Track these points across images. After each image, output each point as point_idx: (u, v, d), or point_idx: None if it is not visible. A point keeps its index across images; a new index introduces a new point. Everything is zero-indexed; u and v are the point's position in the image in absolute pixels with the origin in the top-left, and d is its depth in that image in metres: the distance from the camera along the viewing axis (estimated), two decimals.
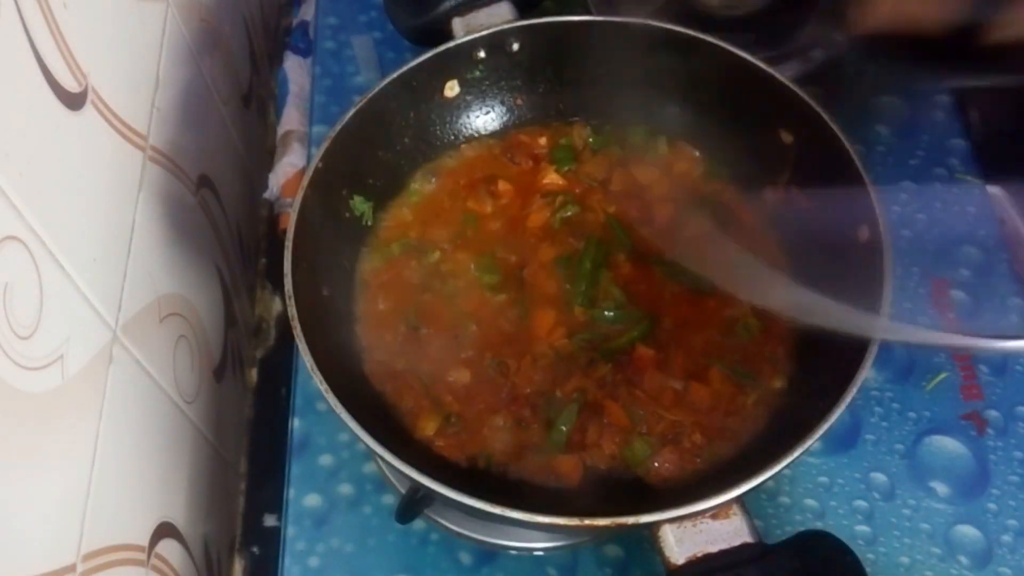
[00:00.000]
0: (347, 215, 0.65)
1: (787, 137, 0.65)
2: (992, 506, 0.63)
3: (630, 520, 0.49)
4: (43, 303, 0.47)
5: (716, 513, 0.50)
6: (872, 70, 0.75)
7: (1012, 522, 0.63)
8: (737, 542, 0.49)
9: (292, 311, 0.55)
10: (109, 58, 0.58)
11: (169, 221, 0.67)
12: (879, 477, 0.64)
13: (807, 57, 0.76)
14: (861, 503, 0.63)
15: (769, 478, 0.50)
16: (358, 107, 0.63)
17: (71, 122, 0.52)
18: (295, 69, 0.91)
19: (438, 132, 0.71)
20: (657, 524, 0.49)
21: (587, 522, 0.49)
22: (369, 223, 0.67)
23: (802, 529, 0.51)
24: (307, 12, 0.92)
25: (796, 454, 0.50)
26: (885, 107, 0.81)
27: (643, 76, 0.68)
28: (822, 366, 0.57)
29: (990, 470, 0.65)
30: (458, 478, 0.55)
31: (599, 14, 0.73)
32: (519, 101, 0.72)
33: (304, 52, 0.91)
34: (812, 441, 0.50)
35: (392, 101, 0.66)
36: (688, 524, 0.49)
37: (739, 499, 0.50)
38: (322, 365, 0.53)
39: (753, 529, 0.50)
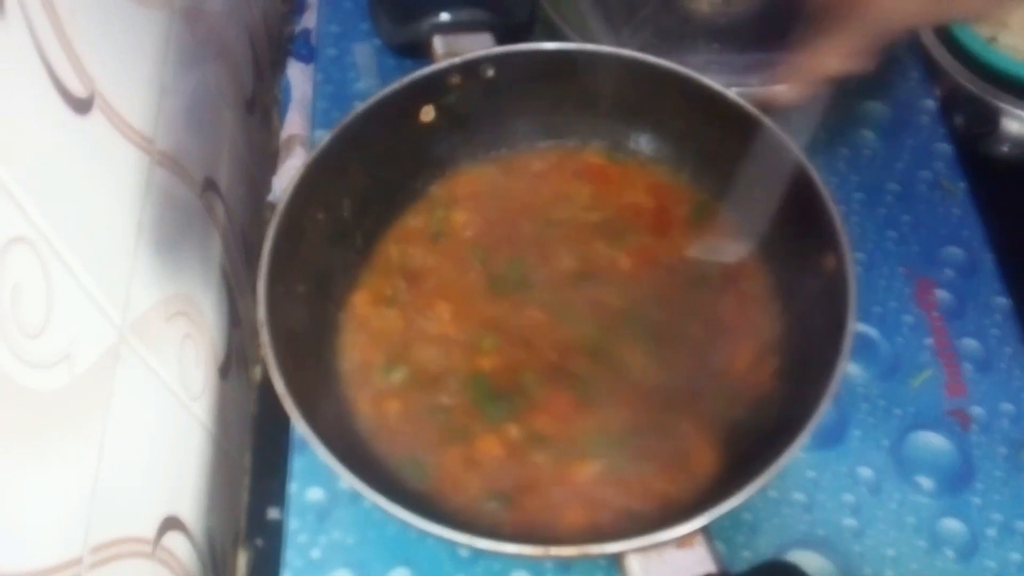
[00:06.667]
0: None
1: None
2: (977, 500, 0.64)
3: (595, 549, 0.50)
4: (51, 303, 0.48)
5: (681, 542, 0.51)
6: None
7: (997, 516, 0.64)
8: (700, 571, 0.50)
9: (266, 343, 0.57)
10: (116, 64, 0.59)
11: (175, 223, 0.68)
12: (866, 472, 0.65)
13: None
14: (848, 497, 0.65)
15: (731, 509, 0.51)
16: (333, 135, 0.65)
17: (79, 126, 0.53)
18: (298, 75, 0.92)
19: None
20: (623, 553, 0.51)
21: (553, 551, 0.50)
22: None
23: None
24: (309, 20, 0.93)
25: (754, 488, 0.51)
26: (871, 111, 0.83)
27: (618, 104, 0.70)
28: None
29: (975, 465, 0.66)
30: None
31: (579, 38, 0.74)
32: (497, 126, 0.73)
33: (306, 58, 0.92)
34: (768, 477, 0.51)
35: (368, 129, 0.67)
36: (654, 553, 0.51)
37: (702, 528, 0.51)
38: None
39: (716, 558, 0.51)
